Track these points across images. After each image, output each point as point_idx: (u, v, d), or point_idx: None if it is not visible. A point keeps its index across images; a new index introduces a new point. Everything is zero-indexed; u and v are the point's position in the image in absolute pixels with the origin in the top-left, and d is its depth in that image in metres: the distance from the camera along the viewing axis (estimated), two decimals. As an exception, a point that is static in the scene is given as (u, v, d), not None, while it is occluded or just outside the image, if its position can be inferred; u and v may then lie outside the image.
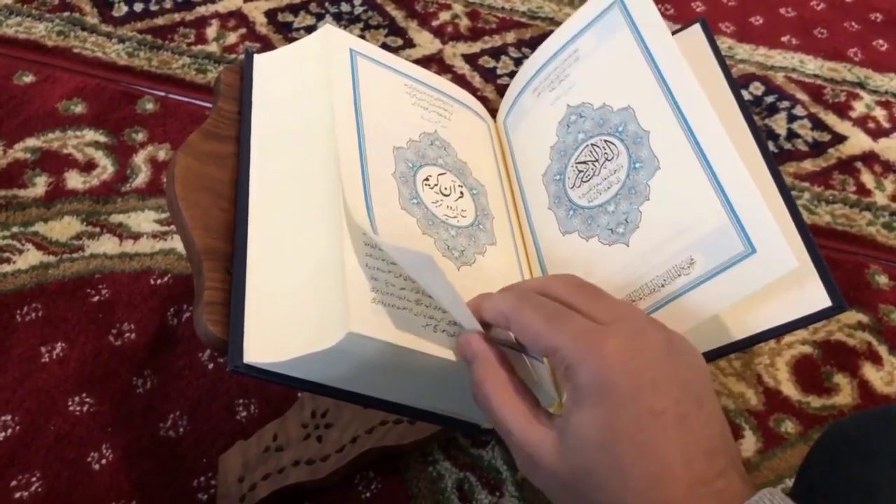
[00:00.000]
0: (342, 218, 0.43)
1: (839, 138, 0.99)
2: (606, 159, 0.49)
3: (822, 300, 0.42)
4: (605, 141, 0.49)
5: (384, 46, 1.04)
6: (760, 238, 0.41)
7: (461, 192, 0.51)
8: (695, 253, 0.43)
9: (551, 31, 1.07)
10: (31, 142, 0.89)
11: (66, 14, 1.04)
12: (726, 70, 0.52)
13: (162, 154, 0.89)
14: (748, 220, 0.42)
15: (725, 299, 0.41)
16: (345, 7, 1.10)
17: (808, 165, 0.96)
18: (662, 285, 0.43)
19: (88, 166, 0.87)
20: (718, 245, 0.42)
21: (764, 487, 0.32)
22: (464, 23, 1.10)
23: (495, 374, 0.38)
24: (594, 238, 0.48)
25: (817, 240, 0.44)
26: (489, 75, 1.03)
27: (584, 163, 0.50)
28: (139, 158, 0.89)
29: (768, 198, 0.44)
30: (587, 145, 0.50)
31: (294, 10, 1.09)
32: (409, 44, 1.06)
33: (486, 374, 0.38)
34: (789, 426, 0.74)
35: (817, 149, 0.98)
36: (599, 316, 0.36)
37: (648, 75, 0.48)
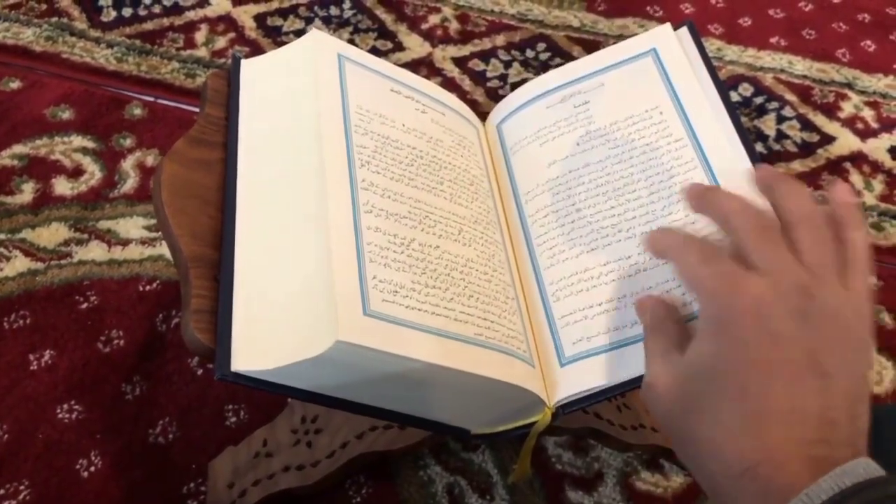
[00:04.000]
0: (330, 224, 0.43)
1: (828, 139, 0.99)
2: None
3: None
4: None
5: (373, 50, 1.04)
6: None
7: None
8: None
9: (541, 34, 1.08)
10: (19, 148, 0.88)
11: (54, 19, 1.04)
12: (713, 72, 0.53)
13: (150, 160, 0.89)
14: None
15: None
16: (334, 11, 1.10)
17: (798, 166, 0.96)
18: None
19: (76, 172, 0.87)
20: None
21: None
22: (453, 26, 1.10)
23: (658, 323, 0.41)
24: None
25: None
26: (479, 78, 1.03)
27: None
28: (127, 164, 0.88)
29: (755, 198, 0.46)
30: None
31: (283, 14, 1.09)
32: (399, 47, 1.06)
33: (651, 324, 0.42)
34: (780, 427, 0.74)
35: (806, 150, 0.98)
36: (757, 263, 0.36)
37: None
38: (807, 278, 0.36)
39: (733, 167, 0.48)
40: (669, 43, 0.55)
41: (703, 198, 0.40)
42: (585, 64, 0.57)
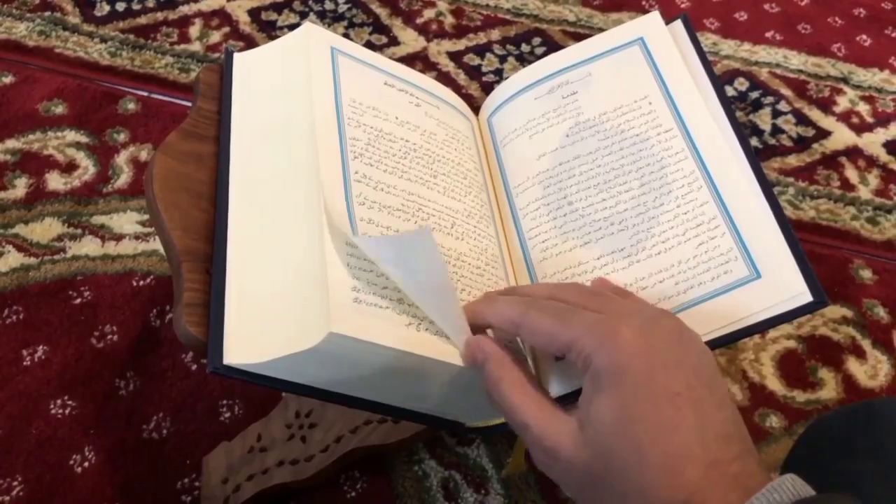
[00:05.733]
0: (322, 217, 0.43)
1: (823, 133, 0.99)
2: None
3: (803, 295, 0.42)
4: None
5: (368, 44, 1.04)
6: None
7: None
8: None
9: (536, 29, 1.07)
10: (11, 143, 0.88)
11: (47, 14, 1.03)
12: (708, 66, 0.53)
13: (144, 154, 0.88)
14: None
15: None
16: (329, 5, 1.09)
17: (793, 161, 0.96)
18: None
19: (69, 167, 0.87)
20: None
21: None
22: (448, 20, 1.10)
23: (511, 373, 0.38)
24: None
25: (802, 235, 0.45)
26: (474, 73, 1.03)
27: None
28: (121, 159, 0.88)
29: (750, 194, 0.46)
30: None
31: (277, 8, 1.09)
32: (394, 41, 1.06)
33: (501, 373, 0.39)
34: (774, 421, 0.74)
35: (802, 144, 0.98)
36: (609, 312, 0.37)
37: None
38: (656, 309, 0.38)
39: (724, 157, 0.48)
40: (657, 32, 0.54)
41: (497, 301, 0.41)
42: (572, 54, 0.57)
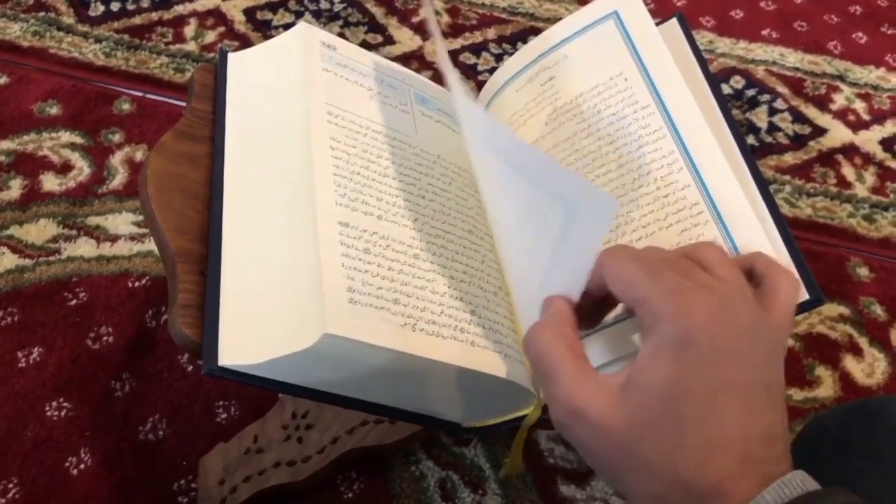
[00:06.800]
0: (317, 217, 0.43)
1: (820, 131, 0.99)
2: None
3: (800, 293, 0.42)
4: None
5: (364, 44, 1.04)
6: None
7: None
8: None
9: (532, 27, 1.07)
10: (6, 144, 0.88)
11: (41, 14, 1.03)
12: (703, 64, 0.52)
13: (139, 155, 0.88)
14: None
15: None
16: (324, 4, 1.09)
17: (789, 158, 0.96)
18: None
19: (64, 168, 0.86)
20: None
21: None
22: (444, 19, 1.09)
23: (562, 328, 0.37)
24: None
25: (799, 233, 0.44)
26: (470, 72, 1.03)
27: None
28: (116, 160, 0.88)
29: (746, 192, 0.45)
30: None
31: (273, 7, 1.08)
32: (389, 41, 1.06)
33: (552, 324, 0.37)
34: (772, 419, 0.74)
35: (798, 142, 0.98)
36: (694, 280, 0.36)
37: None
38: (739, 293, 0.35)
39: (702, 132, 0.47)
40: (631, 3, 0.53)
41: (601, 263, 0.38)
42: (547, 38, 0.55)
